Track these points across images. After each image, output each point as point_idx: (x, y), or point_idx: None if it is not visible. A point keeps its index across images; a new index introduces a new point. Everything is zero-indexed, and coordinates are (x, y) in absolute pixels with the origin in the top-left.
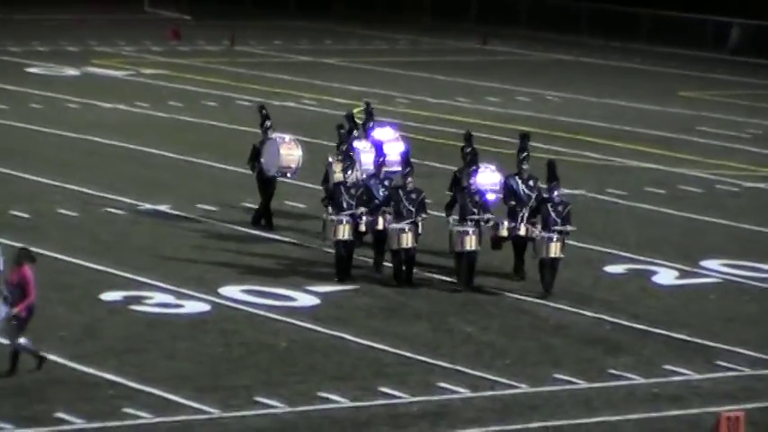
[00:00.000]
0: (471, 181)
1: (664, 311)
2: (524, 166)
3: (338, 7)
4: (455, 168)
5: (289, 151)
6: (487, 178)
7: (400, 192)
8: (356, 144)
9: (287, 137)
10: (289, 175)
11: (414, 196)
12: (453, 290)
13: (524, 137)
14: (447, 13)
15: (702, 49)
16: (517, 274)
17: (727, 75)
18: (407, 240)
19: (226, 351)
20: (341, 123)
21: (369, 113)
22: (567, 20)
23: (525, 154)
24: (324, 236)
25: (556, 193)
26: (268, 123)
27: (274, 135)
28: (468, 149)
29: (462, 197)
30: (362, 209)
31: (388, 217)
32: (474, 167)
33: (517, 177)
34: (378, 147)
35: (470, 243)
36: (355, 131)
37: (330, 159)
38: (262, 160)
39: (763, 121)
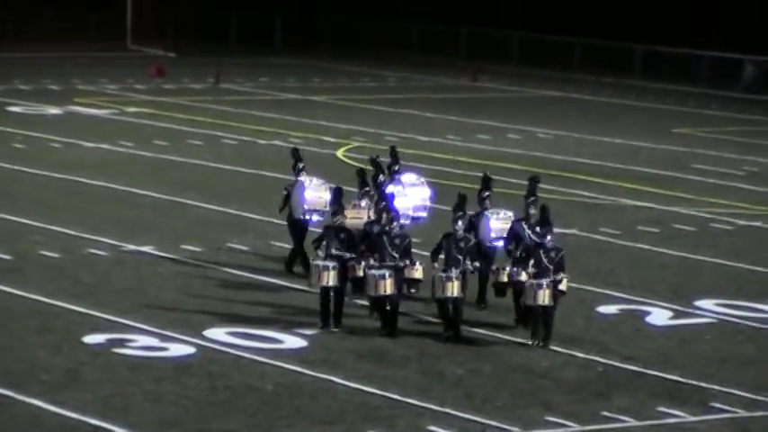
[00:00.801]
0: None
1: (657, 352)
2: (532, 211)
3: (325, 46)
4: (448, 208)
5: (316, 194)
6: (500, 225)
7: (384, 237)
8: (388, 189)
9: (315, 179)
10: (315, 218)
11: (397, 242)
12: (442, 333)
13: (533, 180)
14: (436, 50)
15: (697, 85)
16: (517, 322)
17: (721, 111)
18: (386, 287)
19: (211, 394)
20: (361, 169)
21: (394, 157)
22: (559, 56)
23: (533, 198)
24: (309, 281)
25: (548, 238)
26: (300, 165)
27: (304, 178)
28: (486, 194)
29: (448, 243)
30: (348, 254)
31: (371, 262)
32: (481, 210)
33: (524, 223)
34: (390, 197)
35: (452, 290)
36: (381, 176)
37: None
38: (291, 203)
39: (759, 158)
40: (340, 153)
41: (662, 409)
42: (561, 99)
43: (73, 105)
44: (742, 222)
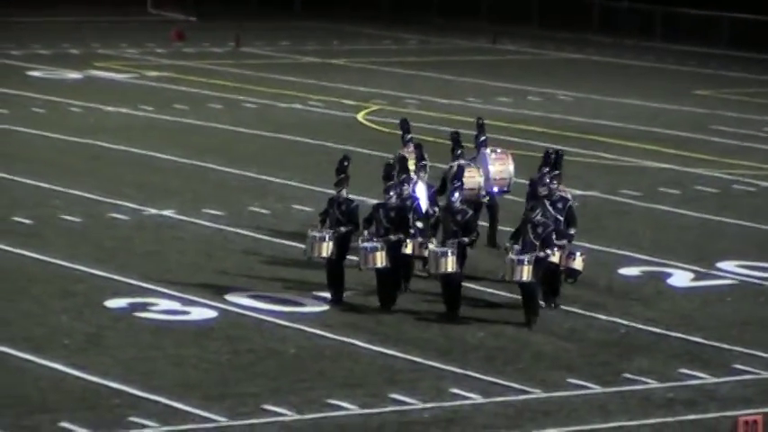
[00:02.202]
0: (452, 198)
1: (679, 314)
2: (553, 185)
3: (346, 9)
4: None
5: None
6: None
7: (381, 210)
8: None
9: (497, 151)
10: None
11: (393, 214)
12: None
13: (557, 155)
14: (456, 12)
15: (717, 47)
16: (547, 304)
17: (742, 72)
18: (379, 260)
19: (233, 358)
20: (456, 131)
21: (480, 127)
22: (579, 18)
23: (557, 172)
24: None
25: (537, 212)
26: (408, 137)
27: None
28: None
29: (444, 216)
30: (345, 228)
31: (366, 235)
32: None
33: (545, 200)
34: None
35: (447, 265)
36: (459, 150)
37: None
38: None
39: None
40: (360, 116)
41: (684, 370)
42: (581, 61)
43: (93, 70)
44: (764, 184)
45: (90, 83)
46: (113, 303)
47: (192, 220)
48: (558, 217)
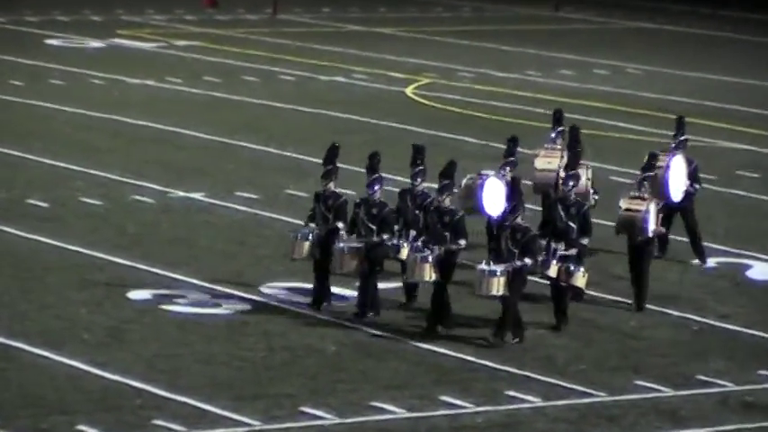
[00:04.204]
0: (440, 198)
1: (758, 310)
2: (567, 186)
3: None
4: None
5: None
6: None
7: (362, 207)
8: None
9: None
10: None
11: (375, 212)
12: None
13: (512, 140)
14: None
15: None
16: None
17: None
18: (350, 265)
19: (268, 356)
20: (559, 109)
21: (680, 124)
22: None
23: (573, 172)
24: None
25: (517, 214)
26: (559, 129)
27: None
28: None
29: (431, 217)
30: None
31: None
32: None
33: (559, 203)
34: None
35: (425, 273)
36: (560, 127)
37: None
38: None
39: None
40: (409, 91)
41: (763, 372)
42: (653, 31)
43: (116, 38)
44: None
45: (113, 52)
46: (137, 295)
47: (224, 203)
48: (570, 224)
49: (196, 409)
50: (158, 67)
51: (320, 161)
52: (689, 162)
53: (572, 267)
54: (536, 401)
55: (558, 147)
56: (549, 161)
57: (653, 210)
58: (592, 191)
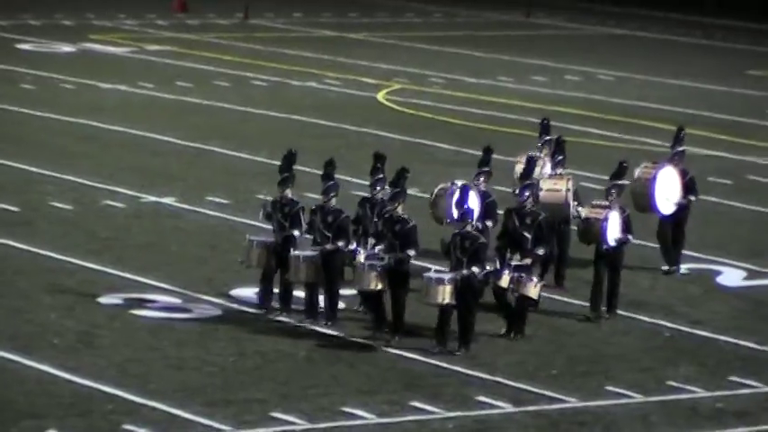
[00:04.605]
0: (389, 207)
1: (729, 316)
2: (523, 197)
3: None
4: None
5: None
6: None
7: (318, 214)
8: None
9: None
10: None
11: (330, 219)
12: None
13: (487, 150)
14: None
15: None
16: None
17: None
18: (304, 273)
19: (239, 361)
20: (545, 118)
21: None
22: None
23: (529, 182)
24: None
25: (470, 222)
26: (545, 138)
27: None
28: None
29: (383, 224)
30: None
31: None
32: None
33: (514, 213)
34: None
35: (371, 282)
36: (546, 136)
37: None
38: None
39: None
40: (381, 96)
41: (734, 378)
42: (624, 37)
43: (88, 42)
44: None
45: (85, 57)
46: (107, 299)
47: (195, 208)
48: (525, 234)
49: (167, 415)
50: (130, 71)
51: (295, 166)
52: (683, 173)
53: (524, 277)
54: (507, 407)
55: (542, 157)
56: (556, 182)
57: (614, 218)
58: (575, 203)
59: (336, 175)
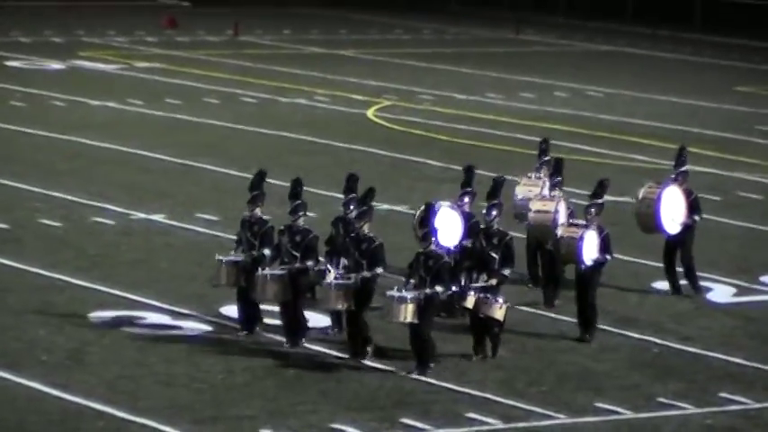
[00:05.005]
0: (356, 225)
1: (719, 333)
2: (490, 216)
3: None
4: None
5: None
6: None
7: (286, 234)
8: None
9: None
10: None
11: (298, 239)
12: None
13: (469, 169)
14: (476, 0)
15: (762, 39)
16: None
17: None
18: (273, 292)
19: (228, 377)
20: (545, 139)
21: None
22: (611, 6)
23: (496, 201)
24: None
25: (431, 242)
26: (545, 157)
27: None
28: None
29: (349, 244)
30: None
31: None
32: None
33: (482, 233)
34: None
35: (335, 302)
36: (546, 156)
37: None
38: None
39: None
40: (370, 113)
41: (724, 394)
42: (613, 54)
43: (77, 59)
44: None
45: (74, 74)
46: (97, 316)
47: (185, 225)
48: (492, 254)
49: (156, 431)
50: (119, 88)
51: (281, 183)
52: (688, 193)
53: (489, 298)
54: (496, 423)
55: (541, 176)
56: (545, 203)
57: (590, 237)
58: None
59: (326, 193)
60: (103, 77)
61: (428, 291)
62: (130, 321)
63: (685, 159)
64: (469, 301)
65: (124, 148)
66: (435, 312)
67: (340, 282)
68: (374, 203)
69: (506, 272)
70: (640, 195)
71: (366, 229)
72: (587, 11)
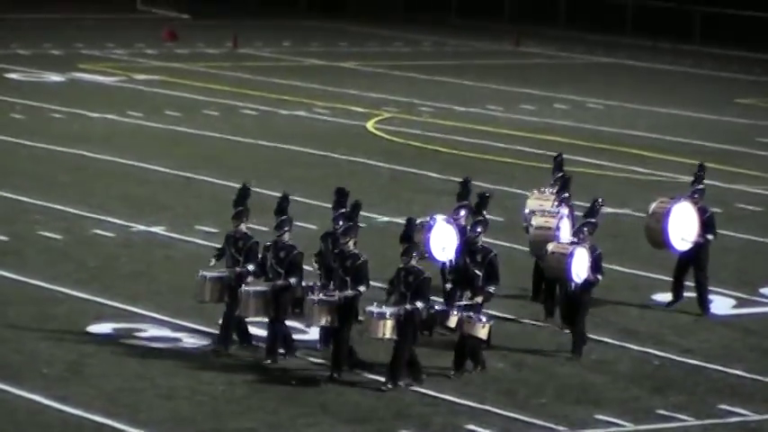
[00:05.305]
0: (341, 241)
1: (719, 345)
2: (475, 233)
3: (354, 7)
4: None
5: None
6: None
7: (271, 250)
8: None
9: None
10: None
11: (282, 255)
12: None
13: (482, 197)
14: (476, 12)
15: (762, 51)
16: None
17: None
18: (253, 309)
19: (228, 390)
20: (560, 154)
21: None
22: (611, 18)
23: (481, 218)
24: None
25: (412, 256)
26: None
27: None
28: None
29: (330, 259)
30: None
31: (250, 279)
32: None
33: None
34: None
35: (320, 318)
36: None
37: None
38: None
39: None
40: (370, 125)
41: (723, 406)
42: (613, 66)
43: (77, 72)
44: None
45: (73, 86)
46: (97, 329)
47: (184, 237)
48: (477, 271)
49: None
50: (119, 100)
51: (280, 195)
52: (703, 211)
53: (473, 317)
54: None
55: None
56: (547, 220)
57: (581, 255)
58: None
59: (326, 205)
60: (103, 90)
61: (408, 306)
62: (130, 334)
63: (703, 176)
64: (452, 321)
65: (124, 161)
66: (417, 328)
67: (323, 298)
68: (360, 221)
69: (491, 289)
70: (651, 210)
71: (351, 245)
72: (587, 23)
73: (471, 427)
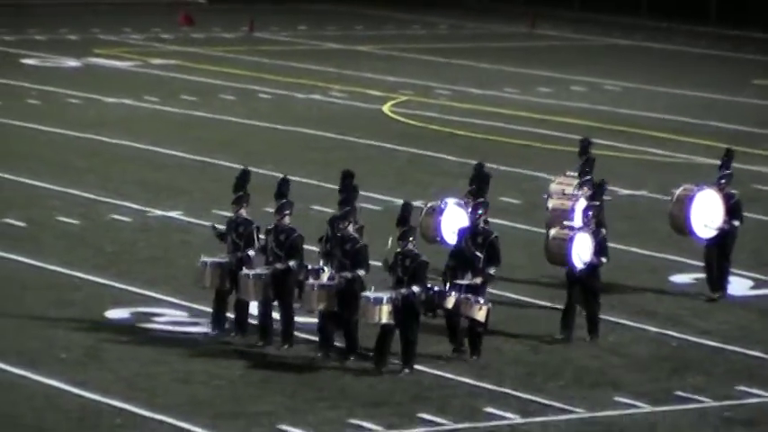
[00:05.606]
0: (340, 225)
1: (737, 326)
2: (476, 215)
3: None
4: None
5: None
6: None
7: (271, 234)
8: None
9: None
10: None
11: (282, 238)
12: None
13: (479, 173)
14: None
15: None
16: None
17: None
18: (252, 292)
19: (246, 374)
20: (585, 138)
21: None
22: (626, 0)
23: (482, 200)
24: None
25: (409, 241)
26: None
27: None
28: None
29: (332, 242)
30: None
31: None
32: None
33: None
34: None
35: (315, 302)
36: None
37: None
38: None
39: None
40: (387, 108)
41: (742, 388)
42: (629, 48)
43: (93, 57)
44: None
45: (90, 71)
46: (114, 314)
47: (202, 221)
48: (477, 253)
49: (175, 428)
50: (135, 85)
51: (298, 179)
52: (728, 198)
53: (471, 299)
54: (515, 418)
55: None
56: (563, 202)
57: (582, 239)
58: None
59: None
60: (119, 75)
61: (404, 291)
62: (148, 318)
63: (730, 162)
64: (449, 302)
65: (140, 145)
66: (418, 312)
67: (322, 283)
68: (366, 203)
69: (492, 271)
70: (674, 196)
71: (351, 229)
72: (603, 5)
73: (490, 409)
